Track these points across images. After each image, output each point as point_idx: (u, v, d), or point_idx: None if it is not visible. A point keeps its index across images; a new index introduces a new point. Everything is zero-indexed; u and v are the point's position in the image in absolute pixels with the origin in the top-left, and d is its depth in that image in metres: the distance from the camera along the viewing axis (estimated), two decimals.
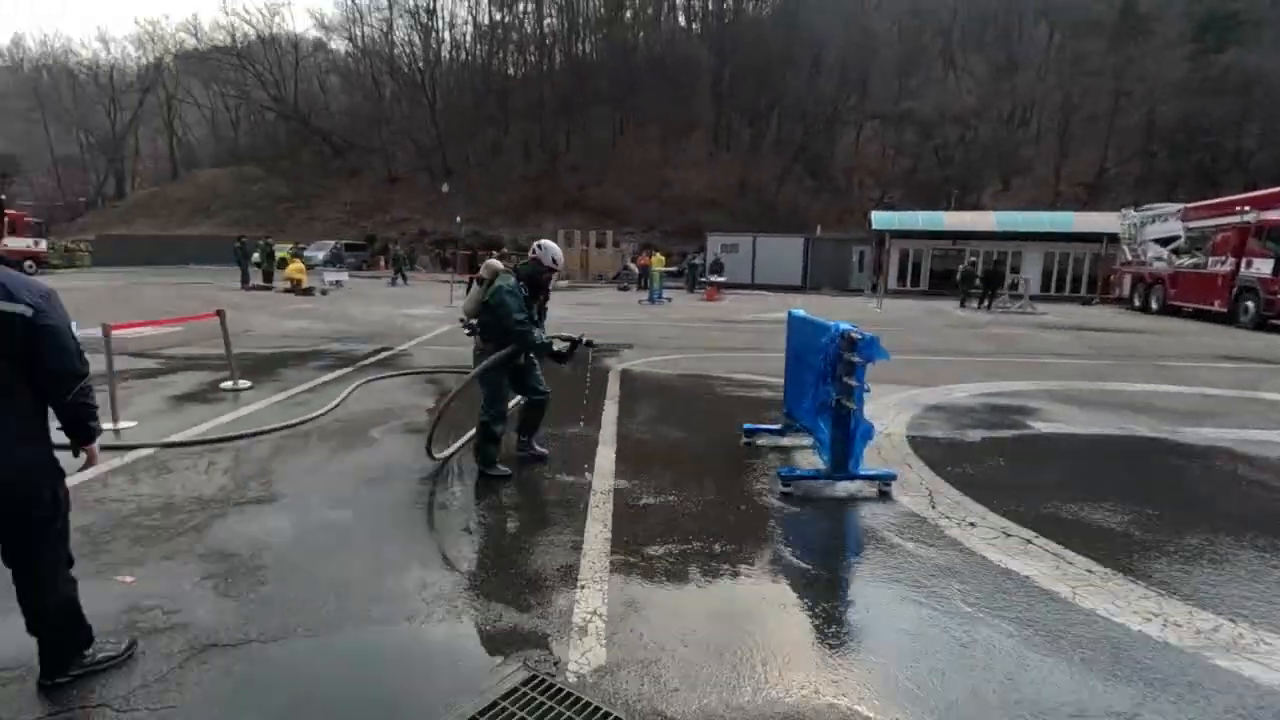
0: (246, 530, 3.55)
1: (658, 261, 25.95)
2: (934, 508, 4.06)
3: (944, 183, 42.34)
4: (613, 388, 7.52)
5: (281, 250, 37.57)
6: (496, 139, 49.74)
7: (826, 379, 4.32)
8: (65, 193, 60.35)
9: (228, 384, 6.90)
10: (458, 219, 41.01)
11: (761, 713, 2.21)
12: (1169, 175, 36.62)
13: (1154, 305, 20.51)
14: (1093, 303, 25.45)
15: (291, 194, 50.94)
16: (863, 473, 4.33)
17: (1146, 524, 3.98)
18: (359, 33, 55.46)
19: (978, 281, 21.75)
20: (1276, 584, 3.20)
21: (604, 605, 2.86)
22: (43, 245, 28.28)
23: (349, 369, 8.29)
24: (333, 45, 60.36)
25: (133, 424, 5.49)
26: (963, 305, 21.50)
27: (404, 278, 26.97)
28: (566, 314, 16.42)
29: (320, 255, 33.32)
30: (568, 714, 2.20)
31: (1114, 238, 24.48)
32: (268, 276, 22.71)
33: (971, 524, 3.82)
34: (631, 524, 3.74)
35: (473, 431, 4.77)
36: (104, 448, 4.85)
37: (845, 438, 4.23)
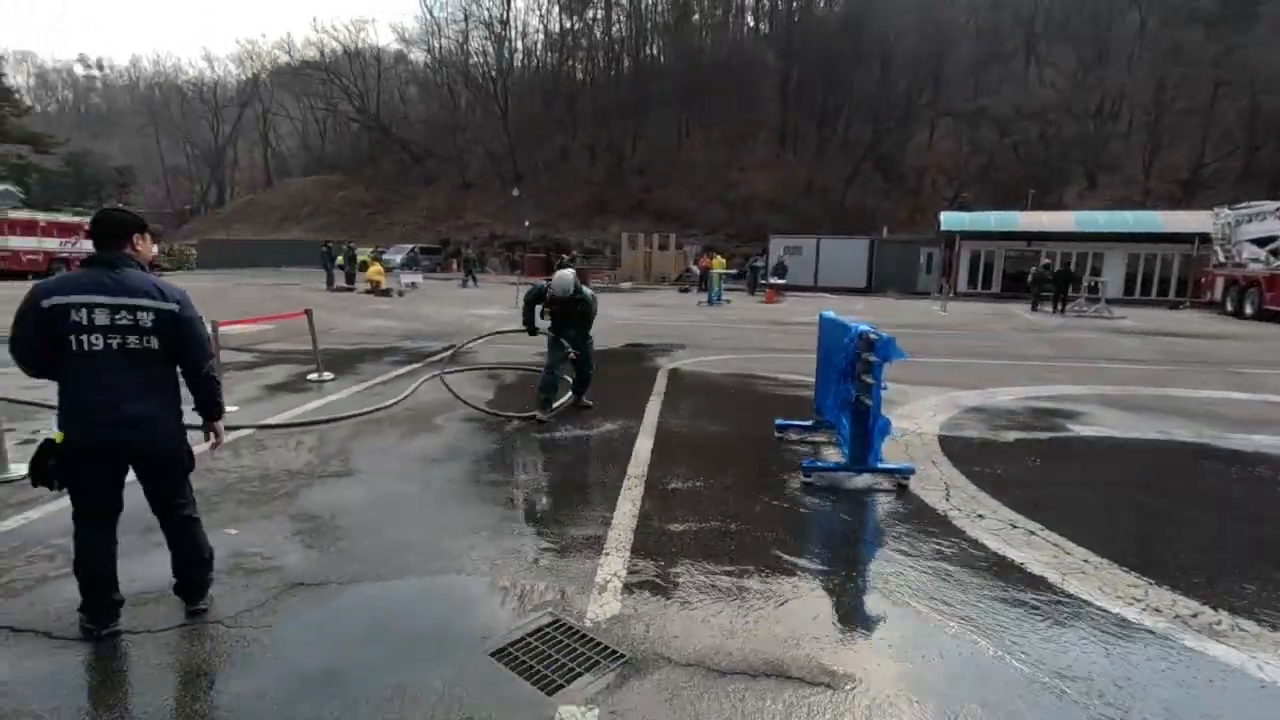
0: (326, 498, 4.15)
1: (717, 264, 26.21)
2: (948, 500, 4.28)
3: (1023, 181, 40.61)
4: (660, 384, 7.92)
5: (363, 254, 40.04)
6: (564, 144, 50.98)
7: (847, 377, 4.60)
8: (174, 200, 65.65)
9: (313, 376, 7.70)
10: (525, 223, 42.39)
11: (746, 658, 2.58)
12: (1272, 171, 34.03)
13: (1248, 310, 19.29)
14: (1181, 307, 24.09)
15: (373, 200, 53.74)
16: (881, 466, 4.58)
17: (1159, 521, 4.08)
18: (437, 45, 58.04)
19: (1050, 284, 21.00)
20: (1272, 581, 3.30)
21: (623, 569, 3.27)
22: (155, 250, 31.00)
23: (418, 364, 9.01)
24: (412, 57, 63.35)
25: (234, 409, 6.26)
26: (1034, 308, 20.81)
27: (474, 280, 28.18)
28: (629, 315, 16.96)
29: (398, 259, 35.07)
30: (582, 650, 2.63)
31: (1206, 238, 23.07)
32: (350, 279, 24.25)
33: (980, 516, 4.03)
34: (659, 505, 4.14)
35: (569, 395, 6.62)
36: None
37: (864, 433, 4.50)
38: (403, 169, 56.37)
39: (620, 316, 16.50)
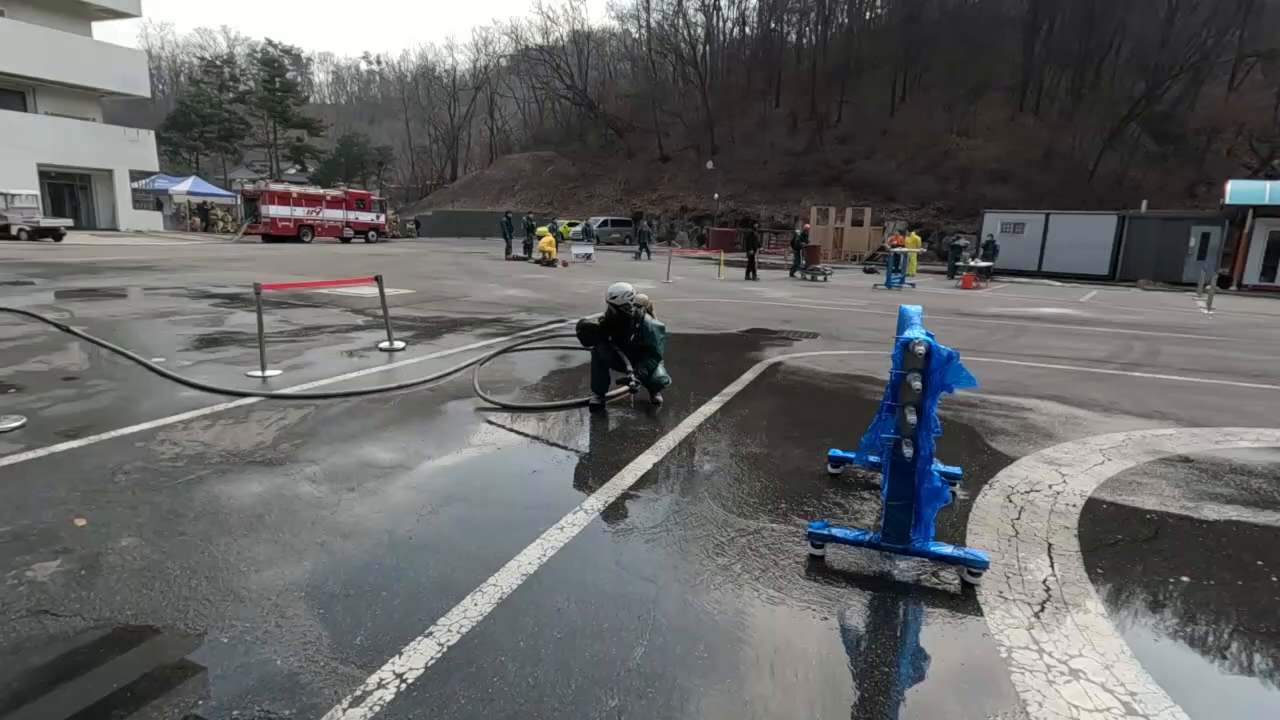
0: (205, 494, 3.59)
1: (911, 241, 23.09)
2: (1031, 629, 2.57)
3: None
4: (743, 381, 6.53)
5: (561, 225, 41.96)
6: (765, 113, 48.68)
7: (888, 408, 3.01)
8: (418, 177, 74.45)
9: (384, 344, 7.48)
10: (715, 195, 41.26)
11: None
12: None
13: None
14: None
15: (577, 174, 56.09)
16: (932, 549, 2.94)
17: None
18: (648, 18, 58.39)
19: None
20: None
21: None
22: (383, 219, 35.00)
23: (507, 337, 8.50)
24: (623, 33, 64.55)
25: (276, 372, 6.15)
26: None
27: (648, 252, 27.81)
28: (782, 295, 15.30)
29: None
30: None
31: None
32: (527, 248, 25.13)
33: (1073, 671, 2.31)
34: (554, 582, 2.98)
35: (622, 388, 5.56)
36: (218, 391, 5.57)
37: (907, 493, 2.90)
38: (606, 143, 58.03)
39: (771, 296, 14.88)
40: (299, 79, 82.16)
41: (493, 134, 71.09)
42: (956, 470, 3.95)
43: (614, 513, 3.52)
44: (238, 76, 55.37)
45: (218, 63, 55.64)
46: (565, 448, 4.59)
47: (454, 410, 5.26)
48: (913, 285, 18.74)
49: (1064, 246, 25.19)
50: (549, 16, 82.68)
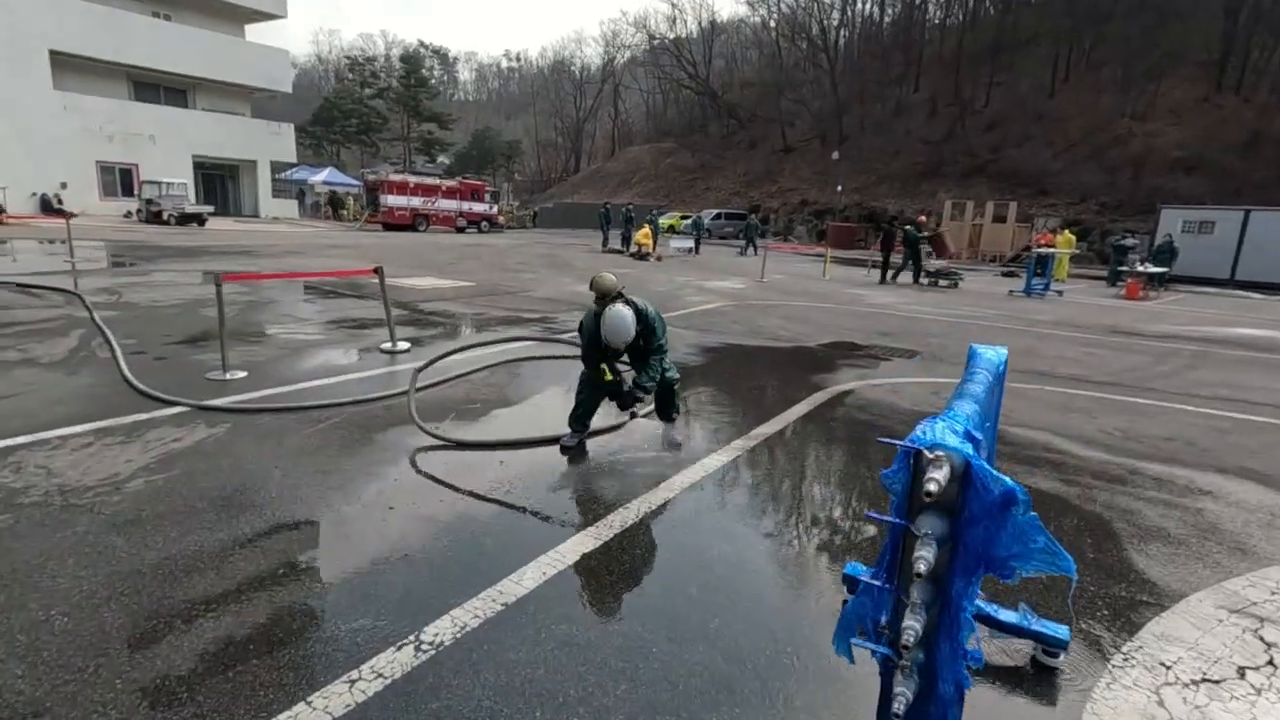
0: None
1: (1063, 241, 19.78)
2: None
3: None
4: (783, 418, 4.99)
5: (671, 219, 40.78)
6: (901, 99, 44.76)
7: (885, 554, 1.50)
8: (543, 170, 76.13)
9: (386, 345, 6.62)
10: (838, 188, 38.38)
11: None
12: None
13: None
14: None
15: (695, 166, 54.65)
16: None
17: None
18: (779, 2, 55.69)
19: None
20: None
21: None
22: (495, 210, 35.41)
23: (541, 339, 7.40)
24: (753, 20, 62.12)
25: (242, 374, 5.40)
26: None
27: (754, 247, 25.95)
28: (886, 300, 13.17)
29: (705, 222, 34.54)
30: None
31: None
32: (625, 240, 24.15)
33: None
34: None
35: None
36: (147, 396, 4.82)
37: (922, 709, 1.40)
38: (727, 134, 56.14)
39: (876, 303, 12.84)
40: (444, 77, 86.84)
41: (615, 126, 71.20)
42: (1058, 633, 2.29)
43: (416, 682, 2.22)
44: (378, 73, 58.84)
45: (361, 60, 59.49)
46: (472, 519, 3.35)
47: (392, 440, 4.18)
48: (1059, 294, 15.77)
49: (1269, 250, 20.60)
50: (676, 6, 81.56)
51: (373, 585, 2.59)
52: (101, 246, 16.04)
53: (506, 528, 3.13)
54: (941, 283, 16.53)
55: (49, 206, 26.06)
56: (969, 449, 1.23)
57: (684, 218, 41.03)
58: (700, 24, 61.01)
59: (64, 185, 26.55)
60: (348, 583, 2.60)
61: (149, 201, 25.61)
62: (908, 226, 16.97)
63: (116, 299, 8.76)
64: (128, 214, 27.17)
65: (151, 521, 2.98)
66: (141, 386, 4.88)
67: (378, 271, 6.54)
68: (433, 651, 2.22)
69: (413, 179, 31.60)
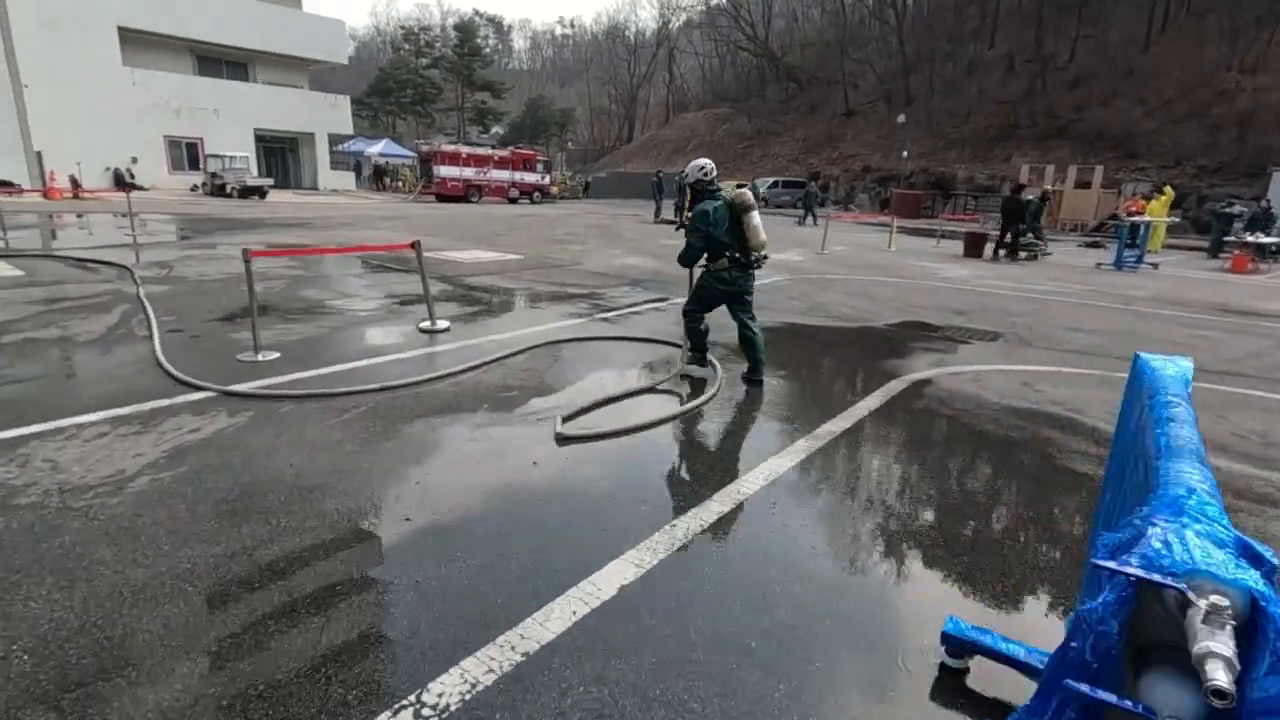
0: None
1: (1156, 207, 18.13)
2: None
3: None
4: (853, 413, 4.43)
5: (726, 187, 39.54)
6: (974, 56, 41.98)
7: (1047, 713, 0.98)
8: (596, 139, 75.17)
9: (425, 324, 6.30)
10: (904, 154, 36.44)
11: None
12: None
13: None
14: None
15: (752, 132, 52.90)
16: None
17: None
18: None
19: None
20: None
21: None
22: (548, 180, 35.02)
23: (584, 319, 6.98)
24: None
25: (275, 355, 5.16)
26: None
27: (814, 217, 24.82)
28: (959, 273, 12.23)
29: (761, 190, 33.42)
30: None
31: None
32: (679, 210, 23.38)
33: None
34: None
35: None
36: (177, 380, 4.62)
37: None
38: (786, 98, 54.07)
39: (947, 276, 11.93)
40: (498, 45, 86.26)
41: (669, 93, 69.51)
42: None
43: None
44: (432, 43, 58.73)
45: (415, 30, 59.43)
46: (496, 537, 2.94)
47: (418, 434, 3.82)
48: (1153, 266, 14.39)
49: None
50: None
51: (372, 623, 2.22)
52: (163, 220, 16.38)
53: (534, 548, 2.71)
54: (1021, 255, 15.33)
55: (121, 181, 26.99)
56: (1253, 579, 0.71)
57: (739, 186, 39.74)
58: None
59: (135, 160, 27.42)
60: (343, 619, 2.23)
61: (213, 175, 26.23)
62: (1027, 196, 15.49)
63: (166, 273, 8.74)
64: (194, 187, 27.94)
65: (147, 531, 2.69)
66: (169, 368, 4.67)
67: (415, 246, 6.19)
68: (435, 719, 1.83)
69: (465, 150, 31.46)
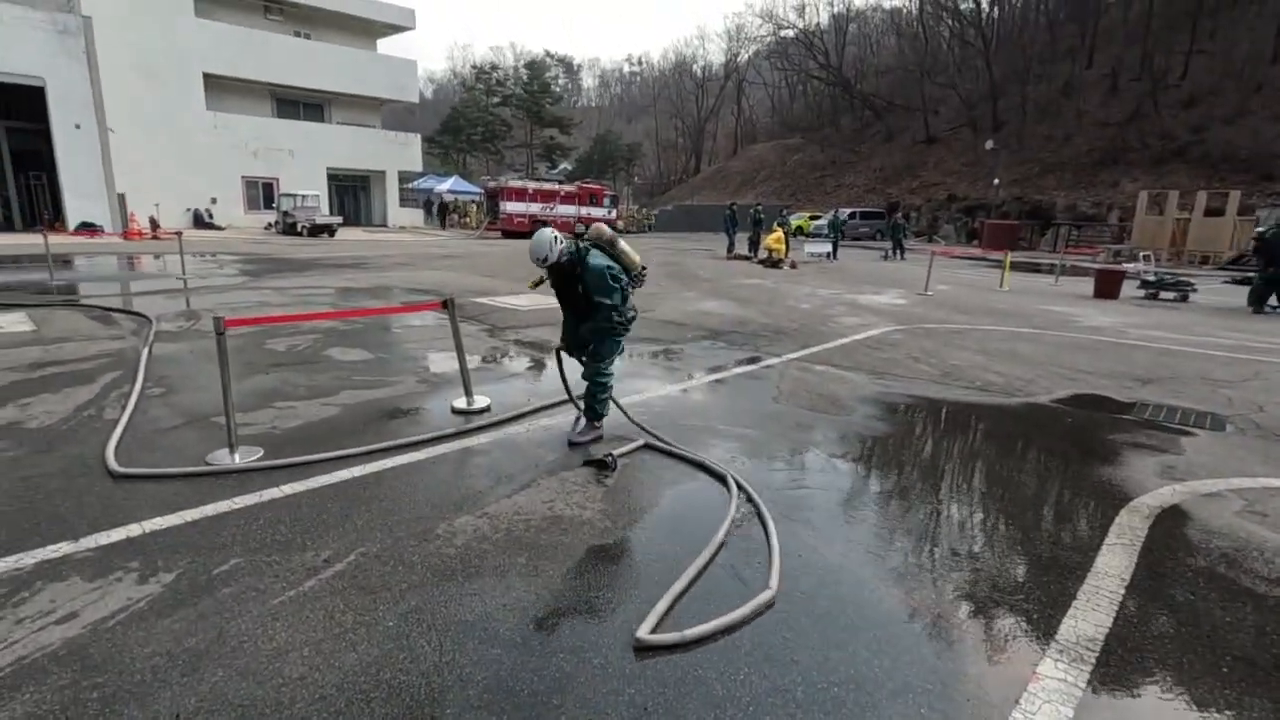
0: None
1: None
2: None
3: None
4: (1091, 582, 2.74)
5: (799, 219, 37.81)
6: (1071, 76, 39.11)
7: None
8: (662, 172, 74.79)
9: (460, 403, 4.95)
10: (995, 181, 33.91)
11: None
12: None
13: None
14: None
15: (825, 162, 51.12)
16: None
17: None
18: None
19: None
20: None
21: None
22: (615, 214, 34.18)
23: (660, 385, 5.49)
24: (889, 3, 57.47)
25: (256, 453, 3.88)
26: None
27: (900, 250, 22.79)
28: (1113, 322, 10.11)
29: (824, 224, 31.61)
30: None
31: None
32: (753, 245, 21.87)
33: None
34: None
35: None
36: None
37: None
38: (861, 127, 52.16)
39: (1093, 324, 9.88)
40: (568, 84, 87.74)
41: (738, 124, 68.53)
42: None
43: None
44: (503, 81, 59.81)
45: (486, 69, 60.74)
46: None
47: (400, 633, 2.37)
48: None
49: None
50: None
51: None
52: (226, 259, 16.01)
53: None
54: (1164, 295, 13.02)
55: (200, 220, 27.63)
56: None
57: (813, 218, 37.90)
58: (833, 9, 57.19)
59: (214, 200, 28.07)
60: None
61: (285, 214, 26.45)
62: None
63: (191, 324, 7.80)
64: (268, 225, 28.33)
65: None
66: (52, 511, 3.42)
67: (447, 305, 4.86)
68: None
69: (531, 185, 30.99)
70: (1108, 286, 13.09)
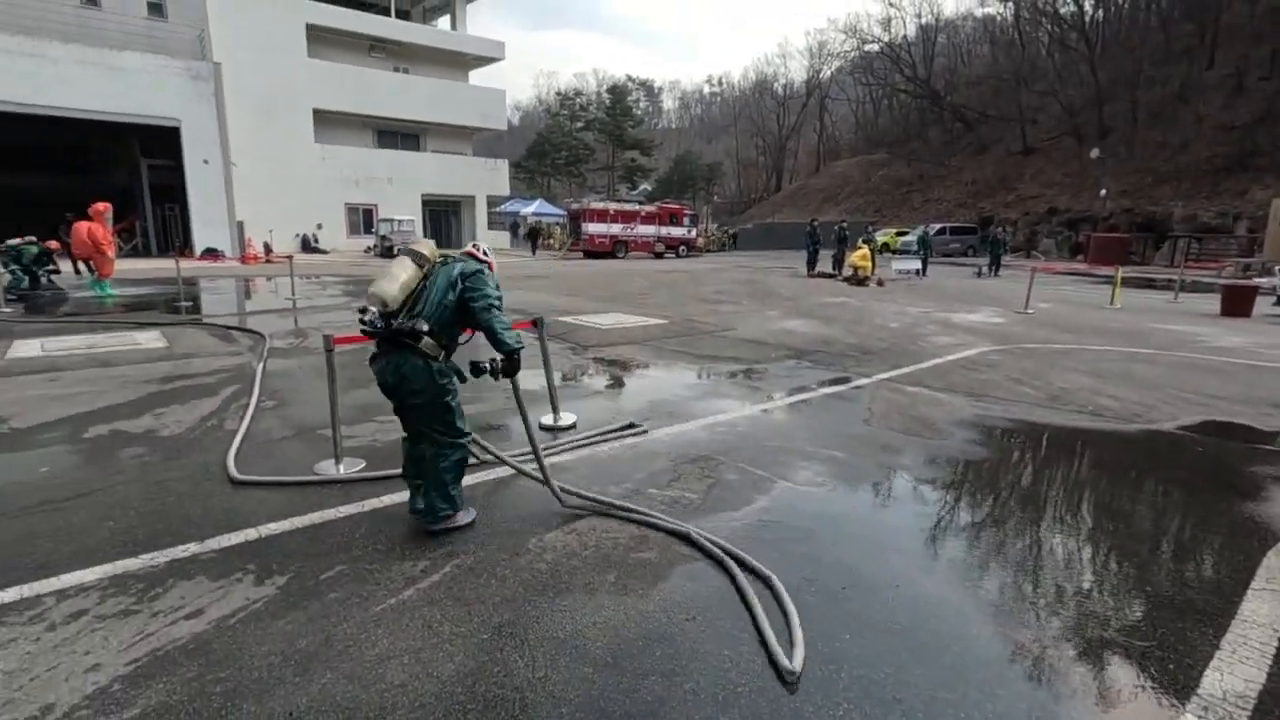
0: None
1: None
2: None
3: None
4: (1244, 658, 2.46)
5: (885, 235, 36.68)
6: (1188, 78, 36.33)
7: None
8: (743, 191, 74.49)
9: (547, 419, 5.05)
10: (1102, 192, 31.83)
11: None
12: None
13: None
14: None
15: (912, 177, 49.50)
16: None
17: None
18: None
19: None
20: None
21: None
22: (694, 234, 34.25)
23: (743, 406, 5.42)
24: (982, 12, 55.34)
25: (359, 465, 4.08)
26: None
27: (998, 267, 21.66)
28: (1243, 343, 9.20)
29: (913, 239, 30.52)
30: None
31: None
32: (837, 263, 21.36)
33: None
34: None
35: None
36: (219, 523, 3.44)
37: None
38: (951, 139, 50.26)
39: (1217, 345, 9.04)
40: (649, 108, 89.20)
41: (820, 140, 67.49)
42: None
43: None
44: (586, 106, 61.46)
45: (570, 95, 62.64)
46: None
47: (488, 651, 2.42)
48: None
49: None
50: (893, 4, 74.50)
51: None
52: (331, 280, 17.09)
53: None
54: None
55: (308, 245, 29.67)
56: None
57: (900, 234, 36.67)
58: (920, 20, 55.62)
59: (320, 226, 30.10)
60: None
61: (383, 238, 28.02)
62: None
63: (300, 342, 8.35)
64: (367, 249, 30.08)
65: None
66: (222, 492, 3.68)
67: (536, 324, 4.99)
68: None
69: (613, 206, 31.54)
70: (1238, 303, 11.95)
